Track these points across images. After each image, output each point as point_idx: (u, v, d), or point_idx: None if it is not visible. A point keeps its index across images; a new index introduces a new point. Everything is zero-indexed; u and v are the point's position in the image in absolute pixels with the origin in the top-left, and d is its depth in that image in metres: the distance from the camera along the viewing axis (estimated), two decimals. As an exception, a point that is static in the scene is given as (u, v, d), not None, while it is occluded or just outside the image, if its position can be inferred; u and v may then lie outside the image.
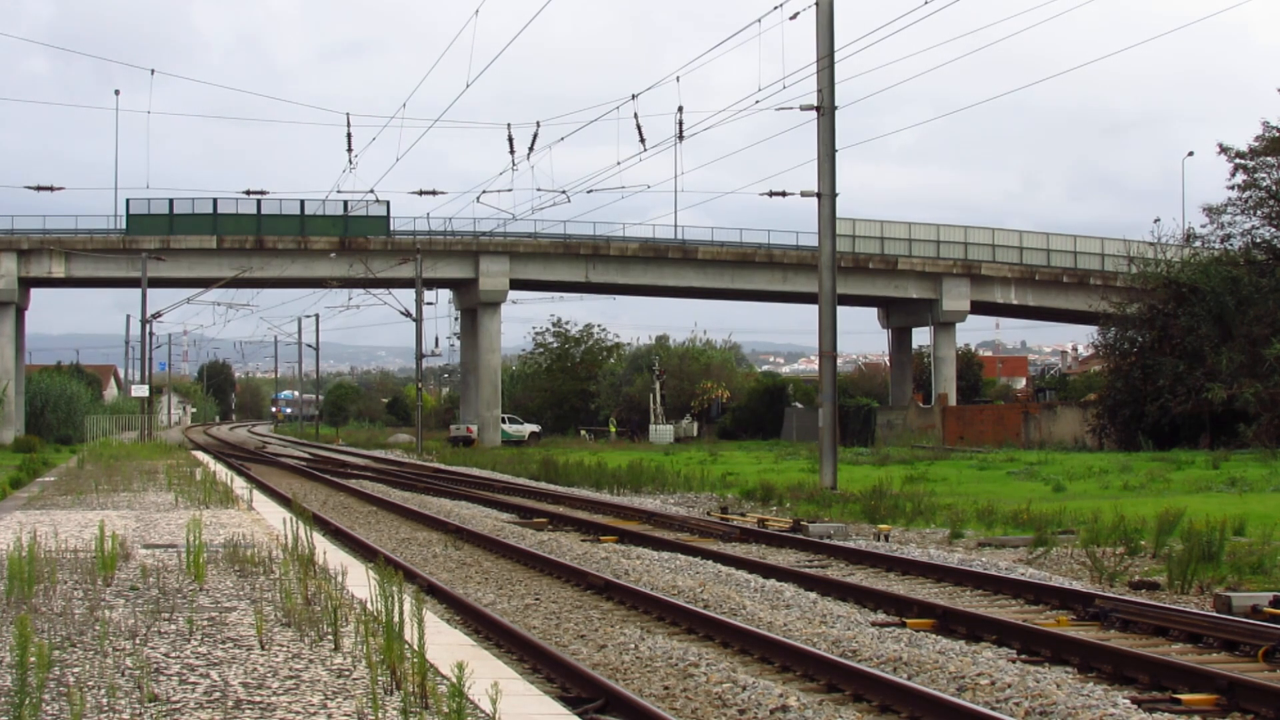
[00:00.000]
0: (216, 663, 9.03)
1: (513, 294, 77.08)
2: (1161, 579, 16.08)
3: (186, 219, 72.05)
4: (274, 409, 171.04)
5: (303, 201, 73.21)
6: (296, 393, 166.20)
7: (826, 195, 31.38)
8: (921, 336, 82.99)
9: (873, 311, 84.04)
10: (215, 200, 72.93)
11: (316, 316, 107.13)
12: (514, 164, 40.51)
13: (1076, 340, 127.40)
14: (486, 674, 8.38)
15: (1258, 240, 52.28)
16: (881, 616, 13.93)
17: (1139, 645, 12.07)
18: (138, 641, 9.72)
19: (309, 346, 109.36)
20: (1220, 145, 51.12)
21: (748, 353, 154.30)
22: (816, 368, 39.90)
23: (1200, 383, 47.93)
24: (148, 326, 71.29)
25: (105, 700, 7.82)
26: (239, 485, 29.92)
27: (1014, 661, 11.42)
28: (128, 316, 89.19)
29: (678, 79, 34.76)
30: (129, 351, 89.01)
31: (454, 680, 6.88)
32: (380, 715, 7.36)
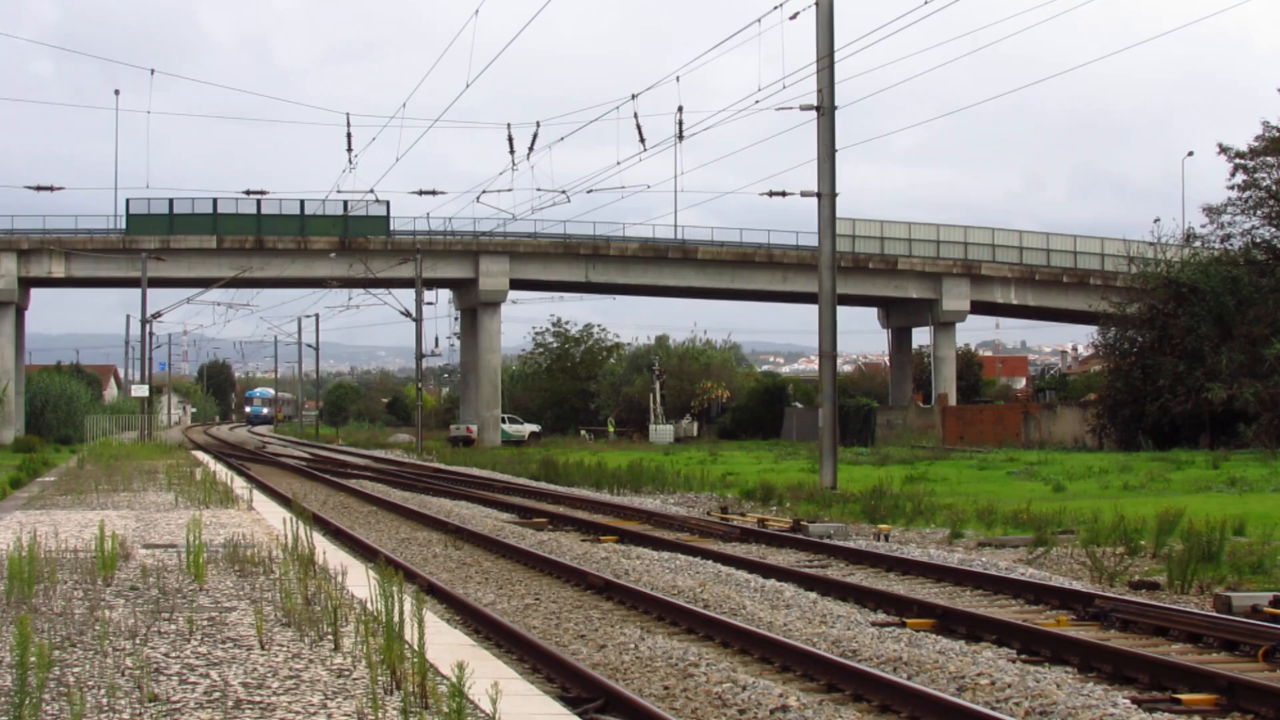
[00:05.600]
0: (216, 663, 9.03)
1: (513, 294, 77.12)
2: (1161, 579, 16.08)
3: (186, 219, 72.06)
4: (247, 408, 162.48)
5: (303, 201, 73.30)
6: (273, 391, 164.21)
7: (826, 195, 31.39)
8: (921, 336, 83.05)
9: (873, 311, 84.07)
10: (215, 200, 73.01)
11: (316, 316, 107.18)
12: (514, 164, 40.52)
13: (1076, 340, 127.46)
14: (486, 674, 8.38)
15: (1258, 240, 52.31)
16: (881, 616, 13.93)
17: (1139, 645, 12.07)
18: (138, 641, 9.72)
19: (309, 346, 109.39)
20: (1220, 145, 51.21)
21: (748, 353, 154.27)
22: (816, 368, 39.90)
23: (1200, 383, 47.94)
24: (148, 326, 71.33)
25: (105, 700, 7.82)
26: (239, 485, 29.92)
27: (1014, 661, 11.42)
28: (128, 316, 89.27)
29: (678, 79, 34.77)
30: (129, 351, 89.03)
31: (454, 680, 6.87)
32: (380, 715, 7.36)
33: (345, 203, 67.82)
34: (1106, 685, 10.50)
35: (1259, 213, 51.71)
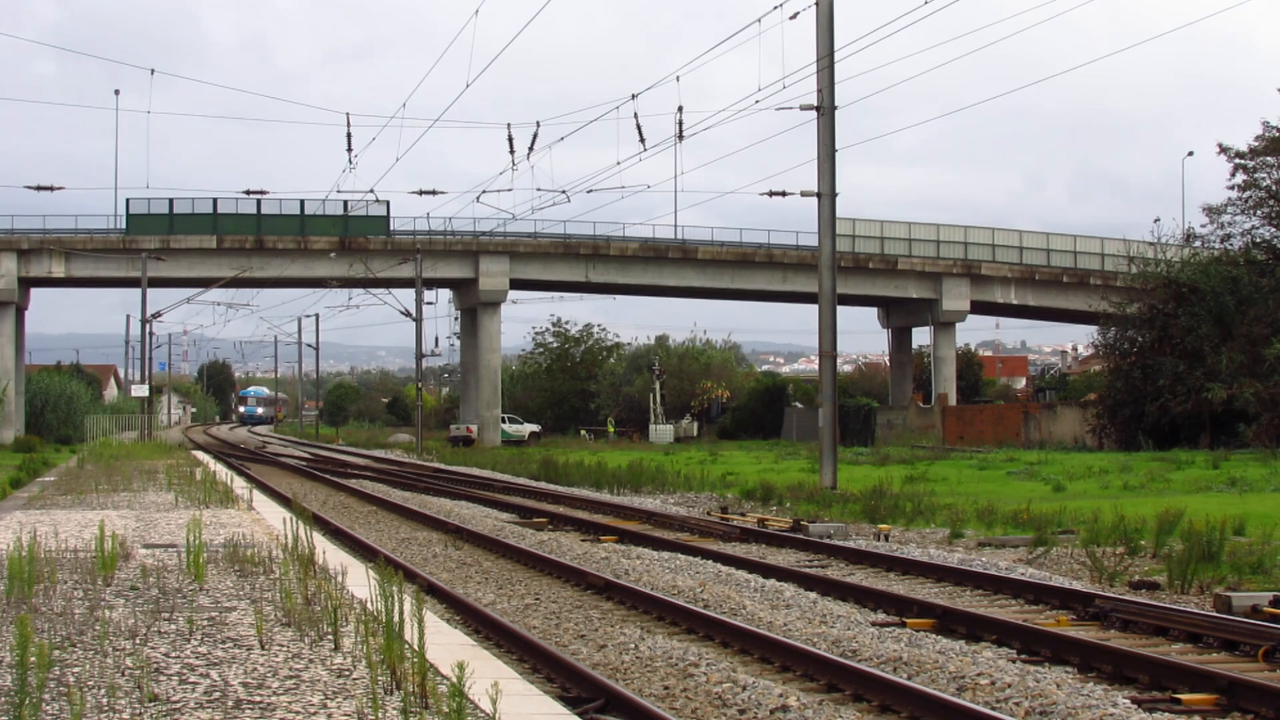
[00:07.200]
0: (216, 662, 9.03)
1: (513, 294, 77.10)
2: (1161, 579, 16.08)
3: (186, 219, 72.05)
4: (240, 407, 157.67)
5: (303, 201, 73.27)
6: (268, 390, 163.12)
7: (826, 195, 31.38)
8: (921, 336, 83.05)
9: (873, 311, 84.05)
10: (215, 200, 72.98)
11: (316, 316, 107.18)
12: (514, 164, 40.53)
13: (1076, 340, 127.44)
14: (487, 674, 8.38)
15: (1258, 240, 52.32)
16: (881, 616, 13.93)
17: (1139, 645, 12.07)
18: (138, 641, 9.72)
19: (309, 346, 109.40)
20: (1220, 145, 51.24)
21: (748, 353, 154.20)
22: (816, 368, 39.91)
23: (1200, 383, 47.95)
24: (148, 326, 71.33)
25: (105, 700, 7.82)
26: (239, 485, 29.92)
27: (1014, 661, 11.42)
28: (128, 316, 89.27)
29: (678, 79, 34.78)
30: (129, 351, 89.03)
31: (454, 680, 6.87)
32: (380, 715, 7.36)
33: (345, 203, 67.85)
34: (1106, 685, 10.50)
35: (1259, 213, 51.73)
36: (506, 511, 28.23)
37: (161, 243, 70.43)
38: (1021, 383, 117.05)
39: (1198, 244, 53.92)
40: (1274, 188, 50.96)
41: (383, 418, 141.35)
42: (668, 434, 78.28)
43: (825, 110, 30.98)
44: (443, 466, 49.06)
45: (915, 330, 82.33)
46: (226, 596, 11.99)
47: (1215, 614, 12.81)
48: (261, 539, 16.67)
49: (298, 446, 77.06)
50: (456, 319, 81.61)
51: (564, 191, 46.35)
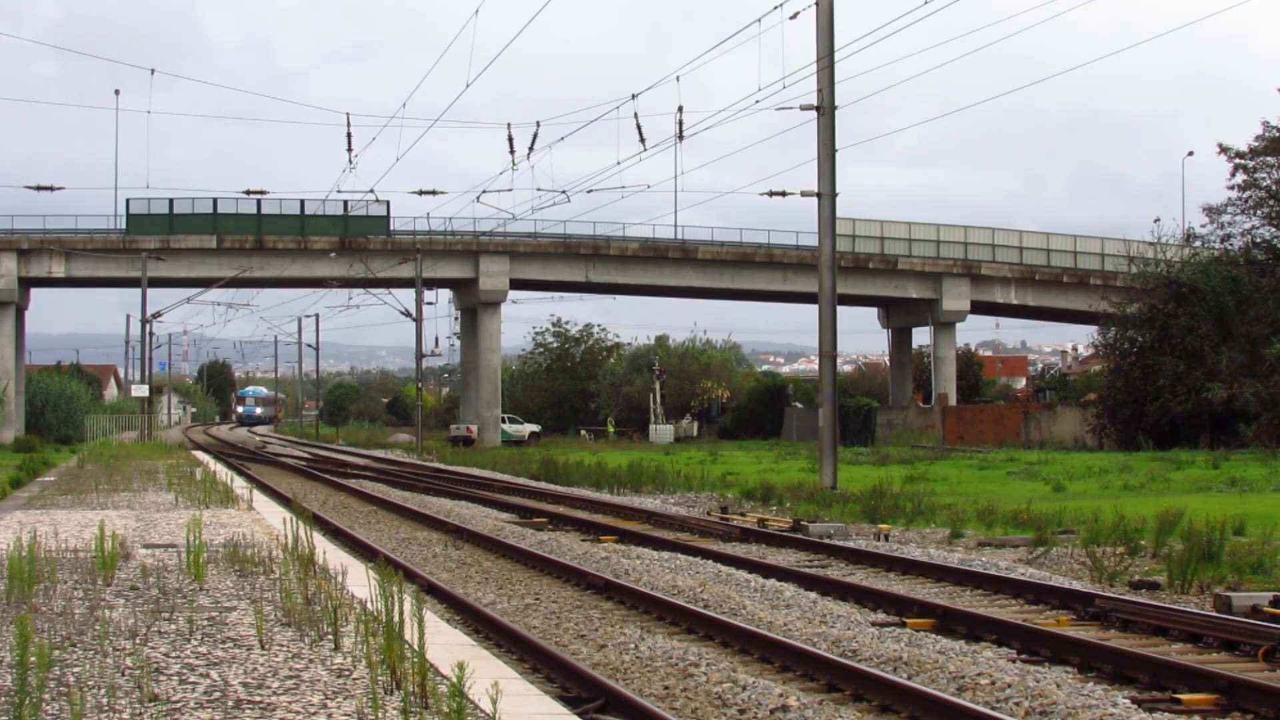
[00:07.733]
0: (216, 662, 9.03)
1: (513, 294, 77.11)
2: (1161, 579, 16.08)
3: (186, 219, 72.06)
4: (239, 407, 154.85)
5: (303, 201, 73.28)
6: (267, 390, 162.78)
7: (826, 195, 31.38)
8: (921, 336, 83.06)
9: (873, 311, 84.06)
10: (215, 200, 73.00)
11: (316, 316, 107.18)
12: (514, 164, 40.55)
13: (1076, 340, 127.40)
14: (487, 674, 8.38)
15: (1258, 240, 52.34)
16: (881, 616, 13.93)
17: (1139, 645, 12.07)
18: (138, 641, 9.72)
19: (309, 346, 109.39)
20: (1220, 145, 51.26)
21: (748, 353, 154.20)
22: (816, 368, 39.90)
23: (1200, 382, 47.95)
24: (148, 326, 71.34)
25: (105, 700, 7.82)
26: (239, 485, 29.92)
27: (1014, 661, 11.42)
28: (128, 316, 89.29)
29: (678, 79, 34.79)
30: (129, 351, 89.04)
31: (454, 680, 6.87)
32: (380, 715, 7.36)
33: (345, 203, 67.86)
34: (1106, 685, 10.50)
35: (1259, 213, 51.74)
36: (506, 511, 28.23)
37: (161, 243, 70.43)
38: (1021, 383, 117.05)
39: (1198, 244, 53.93)
40: (1274, 188, 50.97)
41: (383, 418, 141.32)
42: (668, 434, 78.29)
43: (825, 110, 30.98)
44: (443, 466, 49.05)
45: (915, 330, 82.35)
46: (226, 596, 11.99)
47: (1215, 614, 12.81)
48: (261, 539, 16.67)
49: (297, 446, 77.05)
50: (456, 319, 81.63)
51: (564, 191, 46.39)
